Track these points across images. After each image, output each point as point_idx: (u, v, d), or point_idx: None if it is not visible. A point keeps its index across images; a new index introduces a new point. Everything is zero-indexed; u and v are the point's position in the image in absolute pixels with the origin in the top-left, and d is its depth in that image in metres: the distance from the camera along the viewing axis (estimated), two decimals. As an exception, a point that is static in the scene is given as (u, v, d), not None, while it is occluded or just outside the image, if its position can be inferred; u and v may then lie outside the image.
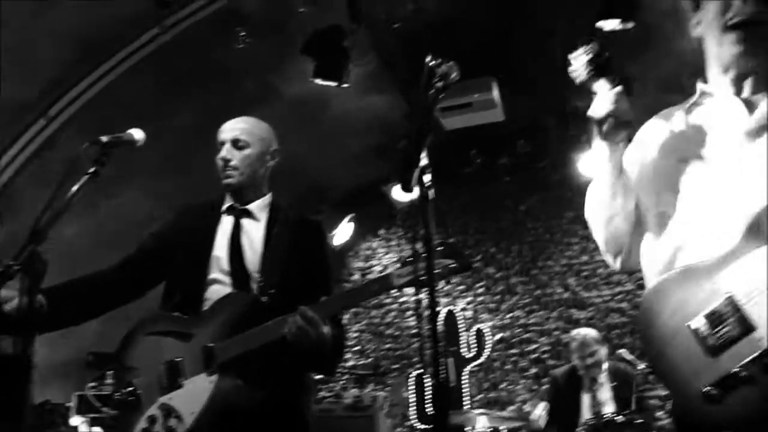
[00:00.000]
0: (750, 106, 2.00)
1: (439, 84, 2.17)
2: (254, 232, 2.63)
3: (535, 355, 7.13)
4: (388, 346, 7.64)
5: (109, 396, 4.39)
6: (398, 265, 2.42)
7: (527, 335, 7.19)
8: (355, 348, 7.65)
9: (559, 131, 6.52)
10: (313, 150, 6.28)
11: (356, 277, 7.89)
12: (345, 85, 5.31)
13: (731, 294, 1.83)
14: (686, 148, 2.15)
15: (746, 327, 1.79)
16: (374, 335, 7.68)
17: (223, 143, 2.68)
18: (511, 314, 7.28)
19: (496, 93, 5.69)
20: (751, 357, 1.75)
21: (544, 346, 7.12)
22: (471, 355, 7.08)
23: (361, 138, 6.62)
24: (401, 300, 7.64)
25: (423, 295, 1.87)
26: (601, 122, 2.01)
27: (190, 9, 4.96)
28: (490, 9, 5.20)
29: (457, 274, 2.40)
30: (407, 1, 5.02)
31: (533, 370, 7.09)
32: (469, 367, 7.05)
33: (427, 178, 1.85)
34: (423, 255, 1.97)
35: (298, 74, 5.45)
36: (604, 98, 1.98)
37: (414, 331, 7.52)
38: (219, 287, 2.51)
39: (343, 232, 7.53)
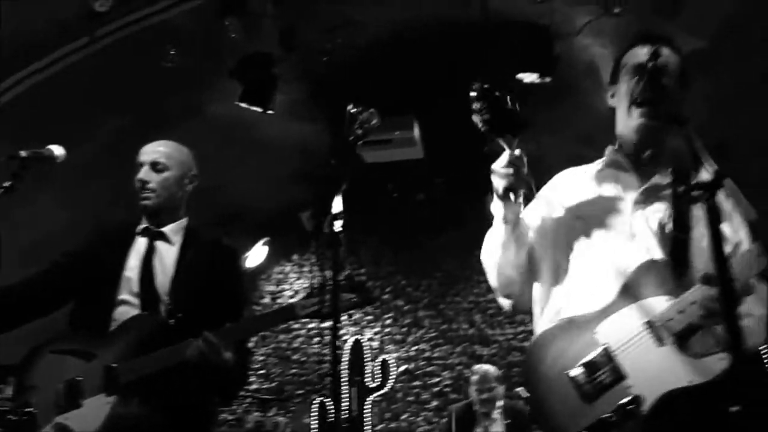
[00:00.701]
0: (645, 175, 2.20)
1: (359, 131, 2.29)
2: (167, 256, 2.65)
3: (438, 388, 7.27)
4: (293, 371, 7.63)
5: (-1, 413, 4.22)
6: (302, 295, 2.50)
7: (431, 368, 7.33)
8: (261, 371, 7.60)
9: (476, 170, 6.71)
10: (234, 171, 6.30)
11: (267, 300, 7.87)
12: (270, 112, 5.38)
13: (607, 345, 2.00)
14: (584, 208, 2.32)
15: (618, 376, 1.96)
16: (280, 359, 7.66)
17: (142, 165, 2.70)
18: (416, 347, 7.42)
19: (416, 131, 5.85)
20: (619, 403, 1.90)
21: (447, 380, 7.28)
22: (375, 384, 7.17)
23: (282, 163, 6.67)
24: (310, 326, 7.67)
25: (330, 323, 1.96)
26: (499, 182, 2.10)
27: (122, 22, 4.93)
28: (416, 49, 5.36)
29: (358, 308, 2.50)
30: (337, 35, 5.15)
31: (434, 403, 7.22)
32: (372, 397, 7.13)
33: (338, 224, 1.93)
34: (327, 288, 2.05)
35: (224, 95, 5.49)
36: (504, 159, 2.07)
37: (320, 357, 7.55)
38: (127, 308, 2.51)
39: (256, 255, 7.52)
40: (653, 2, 4.58)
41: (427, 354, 7.38)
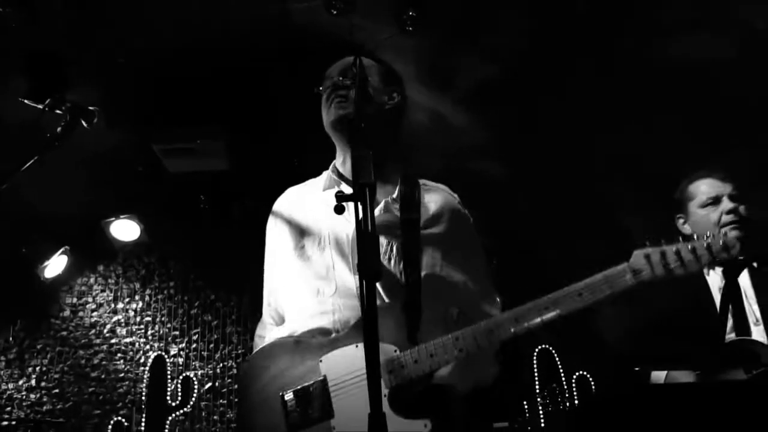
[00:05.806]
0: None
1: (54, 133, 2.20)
2: None
3: (245, 406, 7.07)
4: (92, 389, 7.15)
5: None
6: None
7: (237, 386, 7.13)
8: (54, 391, 7.08)
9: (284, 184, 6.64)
10: (33, 177, 5.85)
11: (67, 313, 7.35)
12: (57, 111, 5.04)
13: (325, 378, 1.95)
14: (309, 227, 2.28)
15: (325, 413, 1.91)
16: (77, 377, 7.15)
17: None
18: (223, 363, 7.20)
19: (222, 141, 5.68)
20: None
21: (254, 398, 7.09)
22: (176, 403, 6.87)
23: (85, 169, 6.27)
24: (112, 341, 7.24)
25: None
26: None
27: None
28: (217, 58, 5.23)
29: None
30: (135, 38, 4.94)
31: (240, 422, 7.02)
32: (173, 416, 6.82)
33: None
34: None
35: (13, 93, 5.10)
36: None
37: (122, 375, 7.14)
38: None
39: (55, 265, 7.01)
40: (450, 25, 4.71)
41: (234, 371, 7.17)
